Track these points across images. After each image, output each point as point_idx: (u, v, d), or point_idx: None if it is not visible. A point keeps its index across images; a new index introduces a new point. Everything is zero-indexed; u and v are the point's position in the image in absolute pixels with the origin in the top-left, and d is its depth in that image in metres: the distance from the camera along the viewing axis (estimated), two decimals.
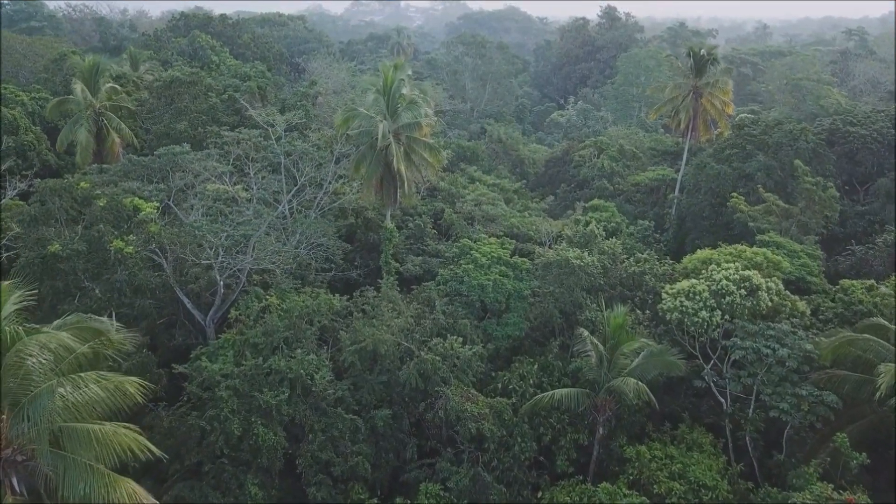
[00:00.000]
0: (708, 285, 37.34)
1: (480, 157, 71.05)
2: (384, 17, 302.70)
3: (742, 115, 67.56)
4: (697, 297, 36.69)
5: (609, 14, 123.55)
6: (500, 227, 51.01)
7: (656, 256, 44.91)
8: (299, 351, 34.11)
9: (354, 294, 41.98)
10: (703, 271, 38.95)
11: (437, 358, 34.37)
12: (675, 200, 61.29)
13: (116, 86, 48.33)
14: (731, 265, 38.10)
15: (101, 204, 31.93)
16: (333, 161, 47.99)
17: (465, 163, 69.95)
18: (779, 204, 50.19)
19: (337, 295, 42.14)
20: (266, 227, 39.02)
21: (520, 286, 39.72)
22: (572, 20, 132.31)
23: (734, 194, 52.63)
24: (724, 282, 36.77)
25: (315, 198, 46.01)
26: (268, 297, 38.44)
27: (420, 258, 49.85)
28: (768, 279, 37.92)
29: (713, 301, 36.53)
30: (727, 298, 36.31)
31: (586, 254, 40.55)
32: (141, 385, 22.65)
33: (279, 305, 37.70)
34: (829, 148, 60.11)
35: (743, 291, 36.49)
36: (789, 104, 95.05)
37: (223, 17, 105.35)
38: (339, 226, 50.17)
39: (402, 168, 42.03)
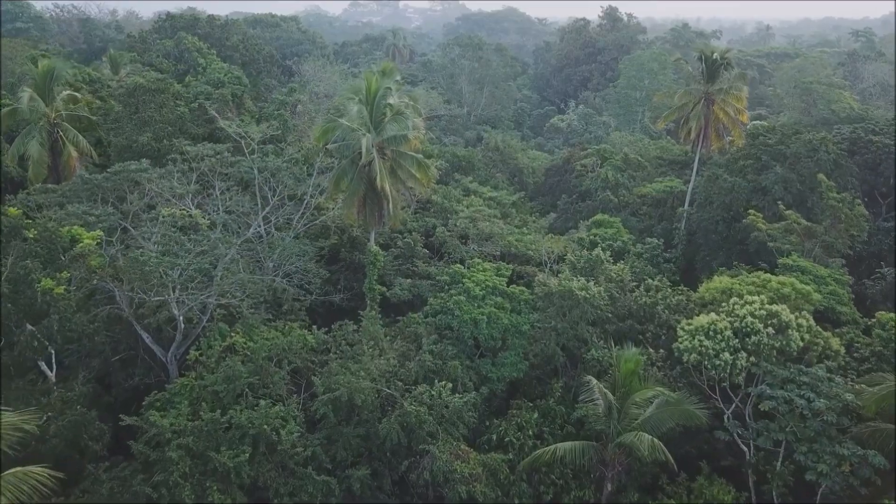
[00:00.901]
0: (730, 321, 32.67)
1: (476, 167, 66.32)
2: (382, 18, 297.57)
3: (755, 122, 62.78)
4: (718, 337, 32.01)
5: (610, 15, 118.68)
6: (497, 246, 46.33)
7: (668, 283, 40.15)
8: (263, 402, 29.36)
9: (333, 326, 37.32)
10: (724, 304, 34.25)
11: (423, 409, 29.66)
12: (685, 214, 56.56)
13: (75, 93, 43.65)
14: (756, 298, 33.40)
15: (31, 235, 27.19)
16: (314, 175, 43.35)
17: (461, 173, 65.20)
18: (800, 222, 45.45)
19: (315, 327, 37.51)
20: (233, 255, 34.27)
21: (518, 320, 35.00)
22: (572, 21, 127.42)
23: (751, 211, 47.89)
24: (749, 318, 32.09)
25: (293, 217, 41.41)
26: (233, 333, 33.74)
27: (409, 281, 45.15)
28: (798, 313, 33.24)
29: (737, 341, 31.86)
30: (753, 338, 31.63)
31: (592, 283, 35.83)
32: (51, 475, 18.15)
33: (245, 344, 33.00)
34: (850, 158, 55.41)
35: (770, 330, 31.82)
36: (799, 109, 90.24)
37: (211, 18, 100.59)
38: (321, 246, 45.53)
39: (387, 186, 37.30)
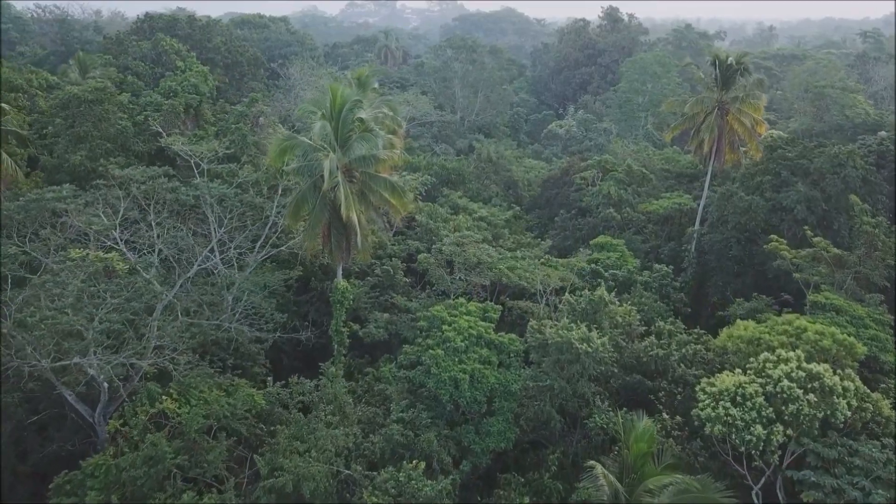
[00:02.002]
0: (761, 384, 26.75)
1: (467, 180, 60.37)
2: (380, 19, 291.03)
3: (771, 131, 56.75)
4: (748, 404, 26.08)
5: (611, 15, 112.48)
6: (486, 276, 40.41)
7: (683, 327, 34.15)
8: (187, 496, 23.42)
9: (290, 379, 31.42)
10: (752, 359, 28.30)
11: (388, 500, 23.72)
12: (695, 235, 50.61)
13: (4, 105, 37.65)
14: (792, 355, 27.45)
15: None
16: (277, 197, 37.43)
17: (450, 186, 59.29)
18: (830, 250, 39.48)
19: (270, 379, 31.63)
20: (170, 299, 28.34)
21: (507, 377, 29.03)
22: (572, 22, 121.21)
23: (774, 236, 41.94)
24: (786, 383, 26.14)
25: (255, 245, 35.56)
26: (166, 395, 27.81)
27: (386, 316, 39.29)
28: (841, 372, 27.32)
29: (771, 410, 25.92)
30: (791, 407, 25.68)
31: (594, 331, 29.86)
32: None
33: (178, 410, 27.10)
34: (877, 172, 49.45)
35: (812, 396, 25.87)
36: (810, 114, 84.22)
37: (191, 18, 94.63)
38: (287, 277, 39.64)
39: (354, 215, 31.33)
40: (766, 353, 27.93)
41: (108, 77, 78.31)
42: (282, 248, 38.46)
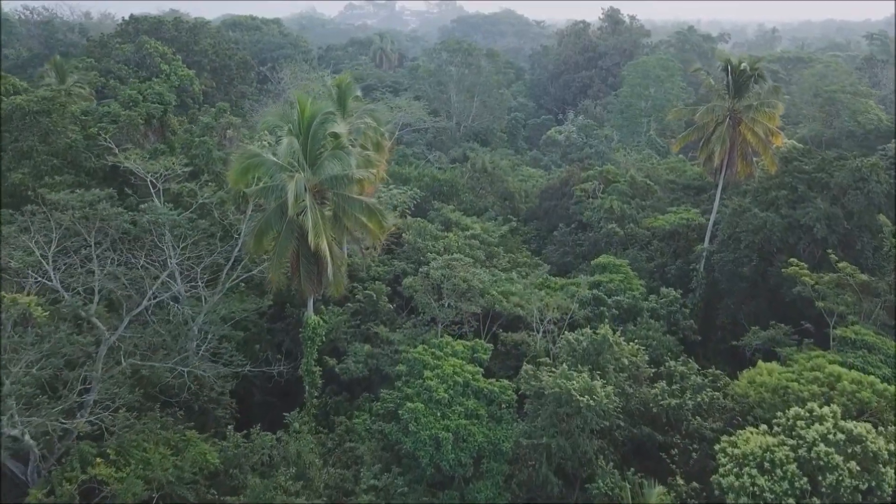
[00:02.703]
0: (792, 446, 22.74)
1: (460, 191, 56.34)
2: (378, 21, 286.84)
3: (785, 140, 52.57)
4: (778, 472, 22.06)
5: (612, 17, 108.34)
6: (477, 304, 36.40)
7: (696, 367, 30.11)
8: None
9: (252, 431, 27.44)
10: (780, 414, 24.27)
11: None
12: (704, 253, 46.59)
13: None
14: (827, 411, 23.41)
15: None
16: (246, 219, 33.44)
17: (442, 199, 55.25)
18: (857, 276, 35.45)
19: (230, 429, 27.65)
20: (110, 343, 24.36)
21: (497, 434, 25.02)
22: (572, 24, 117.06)
23: (793, 260, 37.91)
24: (822, 447, 22.13)
25: (223, 271, 31.61)
26: (104, 453, 23.83)
27: (367, 348, 35.31)
28: (885, 431, 23.31)
29: (805, 480, 21.91)
30: (829, 477, 21.67)
31: (598, 378, 25.85)
32: None
33: (114, 476, 23.11)
34: None
35: (853, 465, 21.85)
36: (819, 120, 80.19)
37: (177, 20, 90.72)
38: (258, 306, 35.66)
39: (324, 244, 27.30)
40: (796, 409, 23.89)
41: (87, 81, 74.67)
42: (253, 272, 34.50)
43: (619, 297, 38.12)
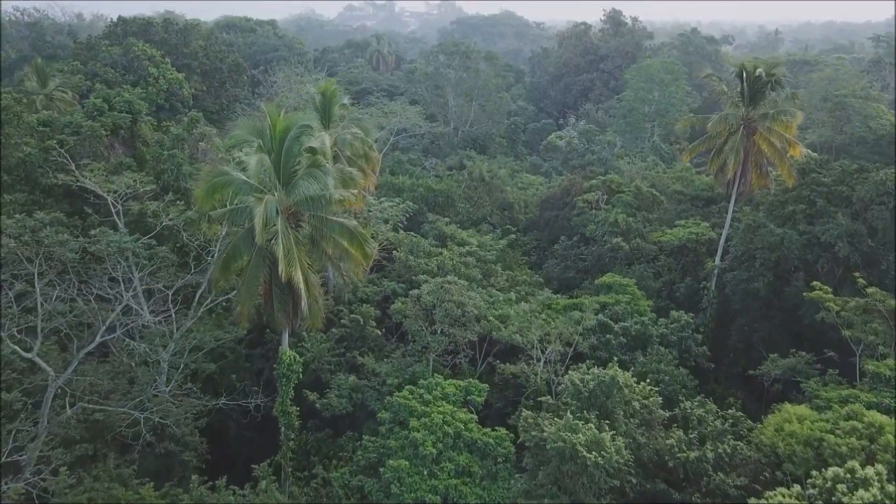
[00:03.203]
0: None
1: (456, 202, 53.06)
2: (378, 22, 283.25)
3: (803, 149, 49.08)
4: None
5: (613, 18, 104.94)
6: (473, 331, 33.18)
7: (715, 408, 26.84)
8: None
9: (218, 484, 24.21)
10: (816, 473, 21.02)
11: None
12: (716, 270, 43.37)
13: None
14: (871, 473, 20.17)
15: None
16: (220, 240, 30.26)
17: (437, 210, 52.01)
18: (888, 303, 32.20)
19: (195, 479, 24.44)
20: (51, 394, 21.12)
21: (492, 495, 21.79)
22: (572, 25, 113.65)
23: (816, 283, 34.67)
24: None
25: (195, 296, 28.44)
26: None
27: (352, 379, 32.10)
28: None
29: None
30: None
31: (605, 429, 22.61)
32: None
33: None
34: None
35: None
36: (829, 125, 76.84)
37: (167, 22, 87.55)
38: (233, 334, 32.46)
39: (298, 274, 24.08)
40: (835, 469, 20.62)
41: (71, 85, 71.50)
42: (229, 294, 31.31)
43: (626, 324, 34.84)
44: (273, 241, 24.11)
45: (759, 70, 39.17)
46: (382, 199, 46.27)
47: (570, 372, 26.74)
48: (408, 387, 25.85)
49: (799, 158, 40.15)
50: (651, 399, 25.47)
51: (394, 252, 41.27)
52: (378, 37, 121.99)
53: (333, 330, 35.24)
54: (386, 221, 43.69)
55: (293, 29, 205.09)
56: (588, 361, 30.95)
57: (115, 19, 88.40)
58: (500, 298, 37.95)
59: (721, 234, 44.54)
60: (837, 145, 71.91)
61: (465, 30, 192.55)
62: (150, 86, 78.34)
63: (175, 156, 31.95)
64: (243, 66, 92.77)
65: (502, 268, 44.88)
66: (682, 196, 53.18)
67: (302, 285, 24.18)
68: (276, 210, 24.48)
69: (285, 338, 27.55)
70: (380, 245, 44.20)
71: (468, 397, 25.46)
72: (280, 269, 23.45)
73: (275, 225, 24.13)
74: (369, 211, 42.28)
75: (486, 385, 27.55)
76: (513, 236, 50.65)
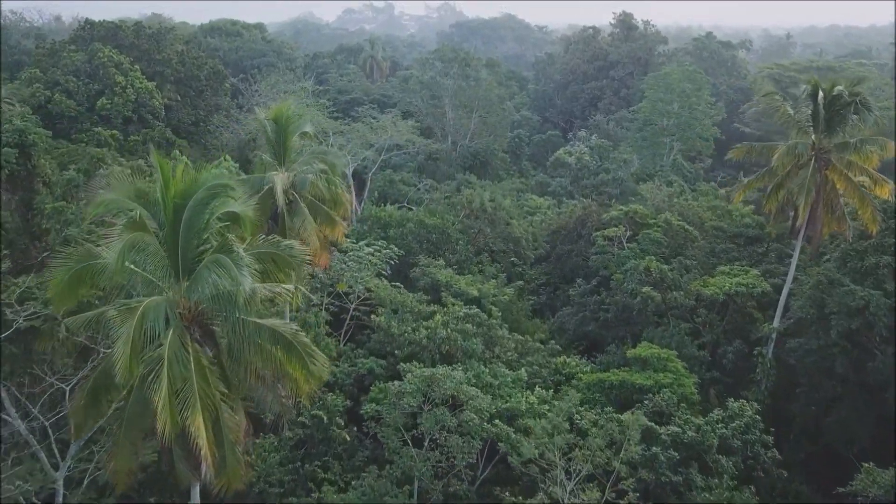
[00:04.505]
0: None
1: (453, 239, 43.83)
2: (377, 25, 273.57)
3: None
4: None
5: (624, 22, 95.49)
6: (472, 447, 24.04)
7: None
8: None
9: None
10: None
11: None
12: (773, 335, 34.25)
13: None
14: None
15: None
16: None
17: (431, 249, 42.76)
18: None
19: None
20: None
21: None
22: (580, 29, 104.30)
23: None
24: None
25: None
26: None
27: None
28: None
29: None
30: None
31: None
32: None
33: None
34: None
35: None
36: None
37: (138, 26, 78.47)
38: None
39: (199, 420, 14.90)
40: None
41: (23, 98, 62.49)
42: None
43: (677, 429, 25.62)
44: (155, 373, 14.90)
45: (838, 88, 29.90)
46: (362, 241, 37.14)
47: None
48: None
49: (890, 199, 30.89)
50: None
51: (372, 315, 32.07)
52: (372, 41, 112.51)
53: (287, 433, 26.12)
54: (357, 284, 34.33)
55: (289, 32, 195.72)
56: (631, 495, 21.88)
57: (81, 21, 79.31)
58: (508, 381, 28.88)
59: (779, 288, 35.38)
60: None
61: (464, 33, 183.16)
62: (116, 96, 69.45)
63: (61, 211, 22.82)
64: (224, 73, 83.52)
65: (510, 327, 35.74)
66: (722, 233, 43.90)
67: (203, 439, 14.97)
68: (167, 318, 15.33)
69: (195, 493, 18.32)
70: (359, 299, 35.13)
71: None
72: (159, 422, 14.27)
73: (161, 345, 14.96)
74: (345, 262, 33.13)
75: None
76: (521, 283, 41.42)
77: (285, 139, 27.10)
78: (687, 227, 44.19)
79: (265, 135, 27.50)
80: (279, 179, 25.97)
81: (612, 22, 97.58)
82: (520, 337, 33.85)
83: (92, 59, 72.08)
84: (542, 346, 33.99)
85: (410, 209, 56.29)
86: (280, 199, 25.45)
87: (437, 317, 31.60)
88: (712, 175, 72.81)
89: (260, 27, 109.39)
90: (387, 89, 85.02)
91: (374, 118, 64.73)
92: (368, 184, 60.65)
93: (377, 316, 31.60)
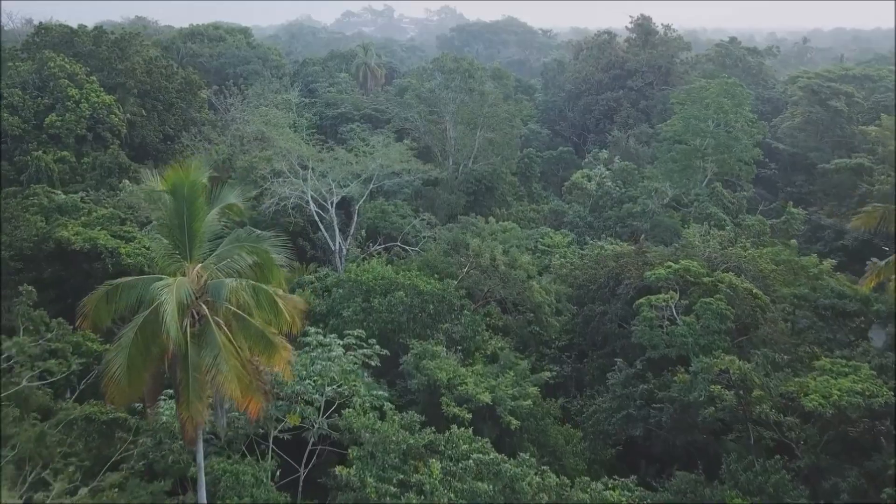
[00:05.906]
0: None
1: (455, 309, 32.97)
2: (376, 29, 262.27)
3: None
4: None
5: (642, 27, 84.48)
6: None
7: None
8: None
9: None
10: None
11: None
12: None
13: None
14: None
15: None
16: None
17: (427, 324, 32.00)
18: None
19: None
20: None
21: None
22: (594, 34, 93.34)
23: None
24: None
25: None
26: None
27: None
28: None
29: None
30: None
31: None
32: None
33: None
34: None
35: None
36: None
37: (99, 31, 67.76)
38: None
39: None
40: None
41: None
42: None
43: None
44: None
45: None
46: (331, 334, 26.30)
47: None
48: None
49: None
50: None
51: (338, 467, 21.18)
52: (365, 47, 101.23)
53: None
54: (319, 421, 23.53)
55: (284, 36, 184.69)
56: None
57: (36, 25, 68.68)
58: None
59: None
60: None
61: (465, 37, 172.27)
62: (68, 111, 58.77)
63: None
64: (199, 83, 72.71)
65: (532, 438, 25.03)
66: (803, 303, 33.01)
67: None
68: None
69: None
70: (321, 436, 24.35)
71: None
72: None
73: None
74: (297, 385, 22.24)
75: None
76: (547, 374, 30.55)
77: (192, 220, 16.32)
78: (756, 291, 33.46)
79: (165, 212, 16.75)
80: (174, 291, 15.12)
81: (629, 26, 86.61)
82: (551, 480, 23.00)
83: (42, 68, 61.52)
84: (586, 490, 23.10)
85: (405, 250, 45.78)
86: (173, 327, 14.64)
87: (435, 467, 20.77)
88: (751, 201, 62.02)
89: (245, 32, 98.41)
90: (380, 102, 74.06)
91: (362, 140, 53.97)
92: (356, 217, 49.85)
93: (346, 466, 20.79)
